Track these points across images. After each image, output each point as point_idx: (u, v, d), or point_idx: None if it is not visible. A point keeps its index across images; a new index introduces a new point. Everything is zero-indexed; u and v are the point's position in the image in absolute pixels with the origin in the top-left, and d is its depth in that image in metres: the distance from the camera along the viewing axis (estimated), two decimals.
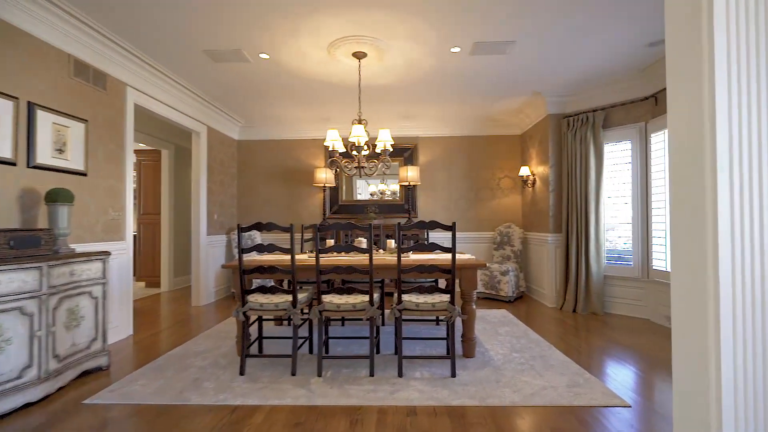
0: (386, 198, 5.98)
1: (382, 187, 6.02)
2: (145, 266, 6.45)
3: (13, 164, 2.59)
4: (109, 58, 3.36)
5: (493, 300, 5.12)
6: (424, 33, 3.18)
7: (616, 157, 4.35)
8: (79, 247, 3.07)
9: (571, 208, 4.54)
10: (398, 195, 5.99)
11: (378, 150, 3.45)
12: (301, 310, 2.72)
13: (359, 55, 3.48)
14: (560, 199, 4.75)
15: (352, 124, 3.37)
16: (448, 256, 3.36)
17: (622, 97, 4.22)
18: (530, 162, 5.44)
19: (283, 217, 6.06)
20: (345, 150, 3.65)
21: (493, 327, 3.80)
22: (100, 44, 3.21)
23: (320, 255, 3.33)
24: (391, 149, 3.53)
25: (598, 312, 4.27)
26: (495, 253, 5.61)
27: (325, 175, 5.62)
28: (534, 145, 5.28)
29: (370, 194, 5.99)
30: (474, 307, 2.97)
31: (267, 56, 3.59)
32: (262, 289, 2.70)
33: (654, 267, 3.94)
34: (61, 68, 2.94)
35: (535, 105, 4.95)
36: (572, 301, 4.45)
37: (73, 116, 3.03)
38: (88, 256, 2.67)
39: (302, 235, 4.34)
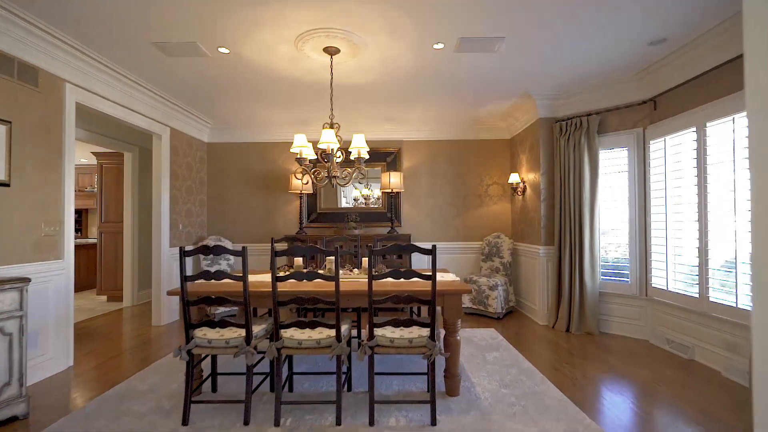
0: (371, 204, 5.59)
1: (366, 192, 5.64)
2: (106, 279, 5.95)
3: None
4: (42, 50, 2.91)
5: (480, 316, 4.78)
6: (403, 26, 2.82)
7: (611, 165, 4.05)
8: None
9: (564, 220, 4.22)
10: (383, 201, 5.62)
11: (352, 157, 3.07)
12: (255, 347, 2.32)
13: (331, 51, 3.10)
14: (552, 209, 4.44)
15: (323, 128, 2.99)
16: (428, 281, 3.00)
17: (618, 101, 3.93)
18: (520, 168, 5.12)
19: (258, 226, 5.63)
20: (317, 156, 3.26)
21: (481, 352, 3.45)
22: (26, 33, 2.76)
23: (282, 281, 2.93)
24: (367, 156, 3.16)
25: (594, 332, 3.96)
26: (483, 264, 5.28)
27: (301, 181, 5.21)
28: (524, 150, 4.97)
29: (354, 199, 5.59)
30: (458, 338, 2.61)
31: (227, 51, 3.18)
32: (211, 324, 2.30)
33: (653, 284, 3.65)
34: None
35: (524, 108, 4.63)
36: (565, 319, 4.13)
37: None
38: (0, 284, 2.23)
39: (272, 251, 3.93)
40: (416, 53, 3.24)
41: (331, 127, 3.09)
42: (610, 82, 3.86)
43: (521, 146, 5.07)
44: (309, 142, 3.09)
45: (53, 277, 3.06)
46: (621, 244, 3.99)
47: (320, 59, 3.29)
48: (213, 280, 2.41)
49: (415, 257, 5.54)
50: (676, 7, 2.58)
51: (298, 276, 2.28)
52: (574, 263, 4.11)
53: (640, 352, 3.46)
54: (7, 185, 2.71)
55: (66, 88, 3.18)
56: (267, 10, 2.61)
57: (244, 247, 2.22)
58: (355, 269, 3.20)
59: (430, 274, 2.31)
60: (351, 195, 5.60)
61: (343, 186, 3.06)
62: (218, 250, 2.21)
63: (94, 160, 7.22)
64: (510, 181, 5.07)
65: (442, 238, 5.55)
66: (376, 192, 5.61)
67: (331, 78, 3.14)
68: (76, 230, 8.36)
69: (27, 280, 2.40)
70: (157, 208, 4.56)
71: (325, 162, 2.89)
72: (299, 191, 5.21)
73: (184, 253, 2.24)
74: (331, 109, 3.12)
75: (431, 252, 2.28)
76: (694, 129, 3.11)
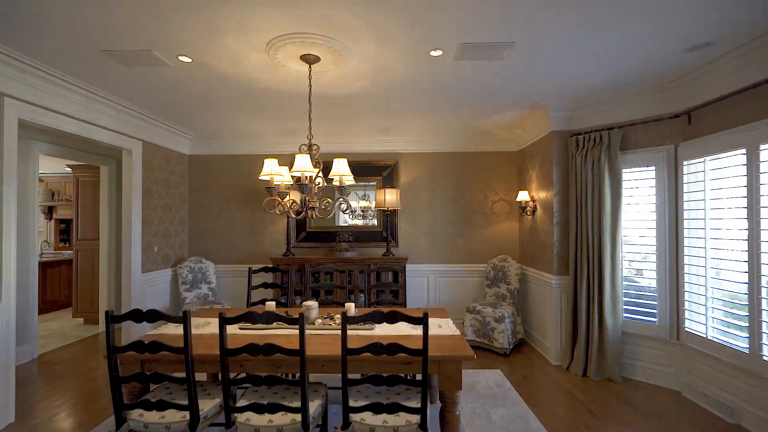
0: (369, 216, 5.11)
1: (363, 204, 5.17)
2: (83, 300, 5.54)
3: None
4: None
5: (485, 351, 4.29)
6: (392, 31, 2.35)
7: (635, 186, 3.55)
8: None
9: (581, 247, 3.72)
10: (378, 219, 5.14)
11: (335, 182, 2.60)
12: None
13: (309, 60, 2.63)
14: (566, 234, 3.93)
15: (300, 151, 2.52)
16: (418, 332, 2.52)
17: (644, 113, 3.42)
18: (529, 185, 4.62)
19: (242, 246, 5.19)
20: (294, 181, 2.78)
21: (485, 408, 2.97)
22: None
23: (240, 330, 2.47)
24: (352, 181, 2.70)
25: (615, 378, 3.46)
26: (488, 290, 4.79)
27: (289, 198, 4.74)
28: (533, 165, 4.47)
29: (351, 211, 5.12)
30: (458, 413, 2.13)
31: (189, 59, 2.72)
32: (146, 405, 1.84)
33: (687, 328, 3.14)
34: None
35: (535, 119, 4.14)
36: (582, 360, 3.63)
37: None
38: None
39: (249, 281, 3.49)
40: (410, 62, 2.77)
41: (309, 149, 2.63)
42: (635, 92, 3.35)
43: (530, 161, 4.57)
44: (282, 166, 2.62)
45: None
46: (647, 278, 3.48)
47: (298, 68, 2.83)
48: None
49: (413, 281, 5.06)
50: (737, 6, 2.07)
51: (252, 319, 1.82)
52: (593, 297, 3.61)
53: (673, 409, 2.95)
54: None
55: (5, 103, 2.75)
56: (226, 13, 2.15)
57: (185, 312, 1.76)
58: (337, 317, 2.73)
59: (421, 317, 1.84)
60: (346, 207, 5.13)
61: (323, 217, 2.61)
62: (153, 316, 1.75)
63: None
64: (518, 199, 4.57)
65: (443, 260, 5.06)
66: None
67: (309, 91, 2.68)
68: (64, 241, 8.00)
69: None
70: (127, 230, 4.13)
71: (302, 192, 2.42)
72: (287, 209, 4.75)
73: (111, 319, 1.78)
74: (309, 128, 2.66)
75: (422, 320, 1.81)
76: (744, 151, 2.60)
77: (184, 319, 1.74)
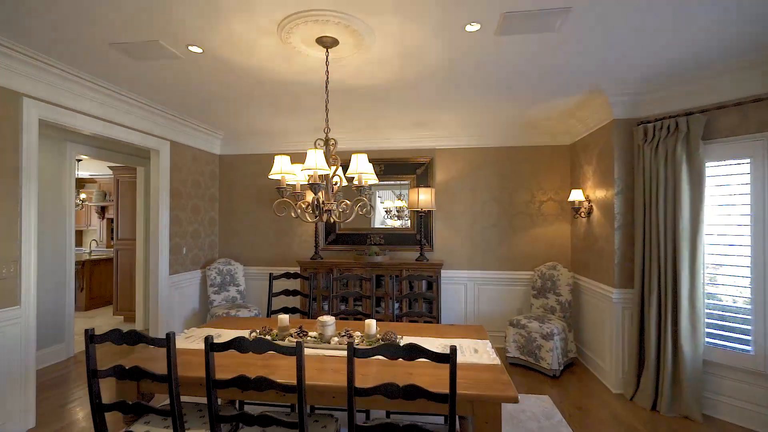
0: (405, 216, 4.75)
1: (399, 204, 4.83)
2: (123, 298, 5.68)
3: None
4: None
5: (530, 371, 3.79)
6: (418, 3, 1.97)
7: (723, 182, 2.90)
8: None
9: (649, 256, 3.13)
10: (411, 221, 4.77)
11: (354, 182, 2.28)
12: None
13: (326, 43, 2.32)
14: (631, 240, 3.34)
15: (315, 147, 2.22)
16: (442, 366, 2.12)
17: (735, 94, 2.77)
18: (584, 183, 4.03)
19: (271, 247, 5.03)
20: (313, 181, 2.48)
21: None
22: None
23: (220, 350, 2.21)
24: (375, 180, 2.36)
25: (694, 417, 2.85)
26: (534, 301, 4.26)
27: (303, 200, 4.50)
28: (590, 160, 3.88)
29: (385, 211, 4.78)
30: None
31: (199, 49, 2.52)
32: None
33: None
34: None
35: (592, 106, 3.56)
36: (651, 392, 3.05)
37: None
38: None
39: (270, 288, 3.27)
40: (442, 40, 2.37)
41: (326, 144, 2.32)
42: (727, 67, 2.72)
43: (586, 155, 3.99)
44: (296, 164, 2.32)
45: (3, 328, 2.59)
46: (737, 296, 2.83)
47: (316, 54, 2.53)
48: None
49: (449, 288, 4.64)
50: None
51: (238, 345, 1.53)
52: (665, 317, 3.01)
53: None
54: None
55: (23, 103, 2.70)
56: None
57: (169, 335, 1.51)
58: (357, 334, 2.40)
59: (447, 354, 1.46)
60: (381, 208, 4.79)
61: (341, 222, 2.29)
62: (133, 338, 1.52)
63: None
64: (571, 198, 4.00)
65: (483, 266, 4.59)
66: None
67: (327, 77, 2.36)
68: (113, 239, 8.37)
69: None
70: (154, 231, 4.08)
71: (313, 192, 2.12)
72: None
73: (91, 338, 1.57)
74: (326, 120, 2.35)
75: (449, 358, 1.43)
76: None
77: (168, 343, 1.49)
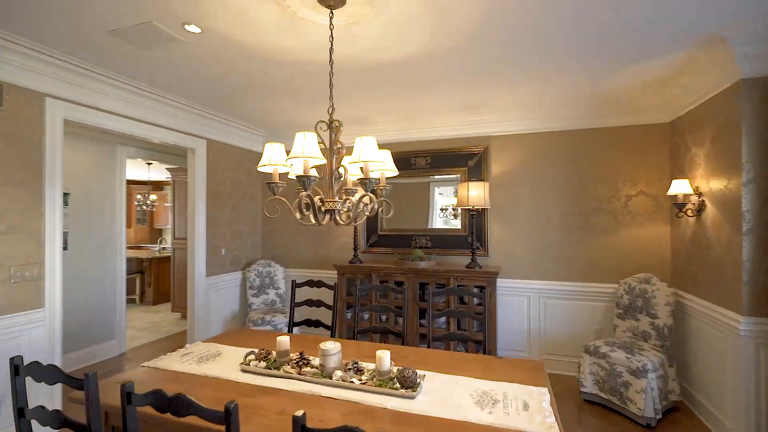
0: (452, 222, 4.15)
1: (454, 200, 4.24)
2: (179, 296, 5.88)
3: None
4: (4, 60, 2.40)
5: (613, 414, 2.95)
6: None
7: None
8: None
9: None
10: (462, 220, 4.13)
11: (359, 176, 1.78)
12: None
13: (329, 2, 1.86)
14: (767, 248, 2.37)
15: (316, 130, 1.77)
16: (487, 414, 1.49)
17: None
18: (692, 171, 3.06)
19: (311, 249, 4.75)
20: (312, 175, 2.03)
21: None
22: None
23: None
24: (388, 172, 1.85)
25: None
26: (619, 323, 3.37)
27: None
28: (701, 140, 2.91)
29: (440, 209, 4.20)
30: None
31: (198, 29, 2.22)
32: None
33: None
34: None
35: (705, 65, 2.62)
36: None
37: None
38: None
39: (292, 297, 2.92)
40: None
41: (330, 126, 1.86)
42: None
43: (694, 133, 3.01)
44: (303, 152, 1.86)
45: (28, 331, 2.57)
46: None
47: (321, 20, 2.08)
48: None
49: (508, 301, 3.91)
50: None
51: (158, 402, 1.12)
52: None
53: None
54: None
55: (46, 103, 2.67)
56: None
57: (87, 375, 1.15)
58: (369, 366, 1.89)
59: None
60: (436, 205, 4.22)
61: (346, 224, 1.81)
62: (51, 377, 1.19)
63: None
64: (671, 192, 3.05)
65: (551, 275, 3.78)
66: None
67: (331, 45, 1.90)
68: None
69: None
70: (191, 232, 4.00)
71: (303, 188, 1.66)
72: None
73: (16, 371, 1.29)
74: (330, 97, 1.89)
75: None
76: None
77: (86, 387, 1.13)
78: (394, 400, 1.61)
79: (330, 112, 1.88)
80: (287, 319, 4.20)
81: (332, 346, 1.84)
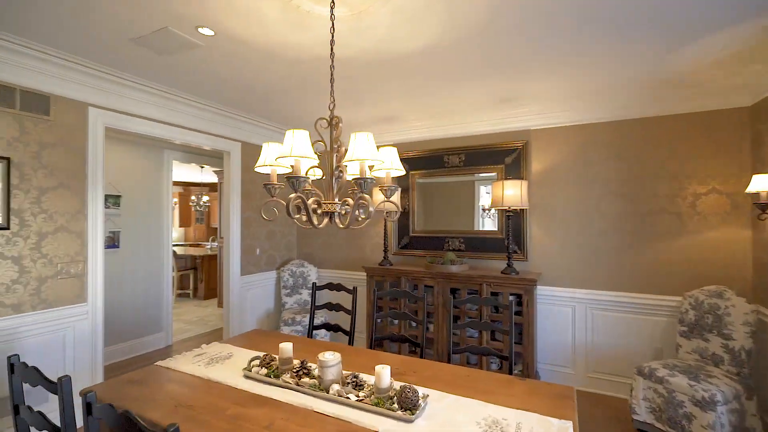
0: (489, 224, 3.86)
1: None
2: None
3: None
4: (51, 74, 2.60)
5: None
6: None
7: None
8: None
9: None
10: (499, 222, 3.84)
11: (351, 177, 1.65)
12: None
13: None
14: None
15: (317, 127, 1.68)
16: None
17: None
18: None
19: (344, 250, 4.71)
20: (302, 176, 1.93)
21: None
22: (26, 57, 2.45)
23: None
24: (395, 171, 1.70)
25: None
26: (684, 343, 2.90)
27: (383, 196, 3.97)
28: None
29: (483, 209, 3.93)
30: None
31: (211, 32, 2.23)
32: None
33: None
34: None
35: None
36: None
37: None
38: None
39: (313, 300, 2.87)
40: None
41: (330, 123, 1.75)
42: None
43: None
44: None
45: (73, 323, 2.78)
46: None
47: (327, 11, 1.98)
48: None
49: (550, 311, 3.55)
50: None
51: None
52: None
53: None
54: (5, 228, 2.45)
55: (89, 112, 2.87)
56: None
57: (62, 380, 1.15)
58: (368, 379, 1.74)
59: None
60: (478, 200, 3.95)
61: (344, 227, 1.69)
62: (62, 388, 1.21)
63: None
64: (752, 189, 2.55)
65: (599, 284, 3.37)
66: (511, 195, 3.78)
67: (332, 35, 1.78)
68: None
69: None
70: (226, 232, 4.14)
71: (293, 189, 1.56)
72: (383, 209, 3.98)
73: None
74: (332, 93, 1.77)
75: None
76: None
77: (59, 389, 1.13)
78: (388, 423, 1.46)
79: (331, 108, 1.77)
80: (317, 321, 4.19)
81: (331, 357, 1.73)
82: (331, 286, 2.86)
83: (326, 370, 1.70)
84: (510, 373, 2.16)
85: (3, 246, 2.45)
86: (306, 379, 1.77)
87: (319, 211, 1.67)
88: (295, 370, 1.82)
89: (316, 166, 1.77)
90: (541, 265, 3.60)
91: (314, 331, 4.01)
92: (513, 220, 3.68)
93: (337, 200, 1.70)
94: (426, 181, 4.18)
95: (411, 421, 1.47)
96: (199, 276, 7.33)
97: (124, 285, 4.20)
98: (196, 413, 1.54)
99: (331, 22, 1.84)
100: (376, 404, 1.55)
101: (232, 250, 4.12)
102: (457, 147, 3.97)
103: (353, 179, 1.58)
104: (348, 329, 3.07)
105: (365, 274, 4.25)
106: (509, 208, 3.37)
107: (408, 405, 1.51)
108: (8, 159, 2.46)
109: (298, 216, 1.59)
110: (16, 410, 1.34)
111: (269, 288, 4.63)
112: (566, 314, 3.48)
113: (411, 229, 4.27)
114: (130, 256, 4.26)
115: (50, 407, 2.66)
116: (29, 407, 1.26)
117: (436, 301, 3.64)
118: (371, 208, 1.54)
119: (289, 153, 1.47)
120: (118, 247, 4.14)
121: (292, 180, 1.51)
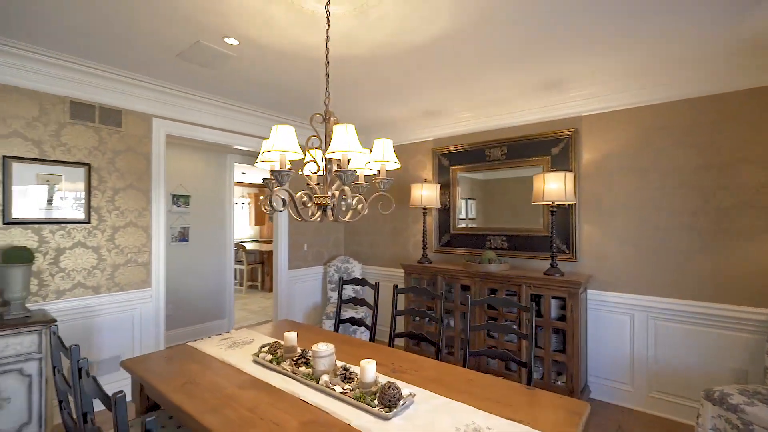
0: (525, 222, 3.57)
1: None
2: None
3: None
4: (120, 91, 3.05)
5: None
6: None
7: None
8: (76, 303, 2.86)
9: None
10: (544, 219, 3.53)
11: (334, 164, 1.65)
12: None
13: None
14: None
15: (311, 122, 1.72)
16: None
17: None
18: None
19: (387, 247, 4.73)
20: (285, 170, 1.96)
21: None
22: (102, 79, 2.91)
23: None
24: (390, 165, 1.68)
25: None
26: None
27: (422, 193, 3.91)
28: None
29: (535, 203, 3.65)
30: None
31: (236, 41, 2.41)
32: None
33: None
34: (51, 113, 2.76)
35: None
36: None
37: (68, 162, 2.83)
38: (16, 327, 2.30)
39: (340, 293, 2.95)
40: None
41: (326, 118, 1.78)
42: None
43: None
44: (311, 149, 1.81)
45: (140, 305, 3.21)
46: None
47: (333, 9, 2.01)
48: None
49: (605, 318, 3.17)
50: None
51: None
52: None
53: None
54: (87, 222, 2.93)
55: (153, 122, 3.29)
56: None
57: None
58: (355, 380, 1.72)
59: None
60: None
61: (334, 220, 1.69)
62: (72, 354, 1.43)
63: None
64: None
65: (665, 291, 2.91)
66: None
67: (327, 31, 1.81)
68: None
69: (52, 321, 2.43)
70: (275, 228, 4.43)
71: (279, 184, 1.62)
72: (421, 206, 3.93)
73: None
74: (327, 87, 1.80)
75: None
76: None
77: (114, 408, 1.32)
78: (365, 417, 1.44)
79: (326, 102, 1.80)
80: (357, 315, 4.28)
81: (324, 348, 1.76)
82: (356, 281, 2.90)
83: (318, 361, 1.74)
84: (528, 382, 1.98)
85: (85, 237, 2.94)
86: (303, 368, 1.82)
87: (309, 204, 1.71)
88: (294, 359, 1.89)
89: (312, 161, 1.82)
90: (594, 267, 3.23)
91: (342, 325, 4.09)
92: (559, 216, 3.36)
93: (329, 194, 1.72)
94: (468, 176, 4.01)
95: (388, 419, 1.43)
96: (266, 270, 7.94)
97: (192, 275, 4.74)
98: (198, 390, 1.68)
99: (326, 19, 1.86)
100: (358, 398, 1.54)
101: (281, 245, 4.40)
102: (499, 139, 3.74)
103: (335, 172, 1.59)
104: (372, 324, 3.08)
105: (402, 272, 4.22)
106: (553, 203, 3.08)
107: (387, 402, 1.48)
108: (89, 165, 2.94)
109: (281, 209, 1.64)
110: (54, 371, 1.62)
111: (316, 282, 4.85)
112: (623, 323, 3.07)
113: (452, 226, 4.13)
114: (197, 249, 4.79)
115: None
116: (62, 373, 1.51)
117: (441, 303, 3.46)
118: (349, 200, 1.53)
119: (272, 147, 1.53)
120: (187, 241, 4.69)
121: (278, 175, 1.57)
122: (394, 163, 1.76)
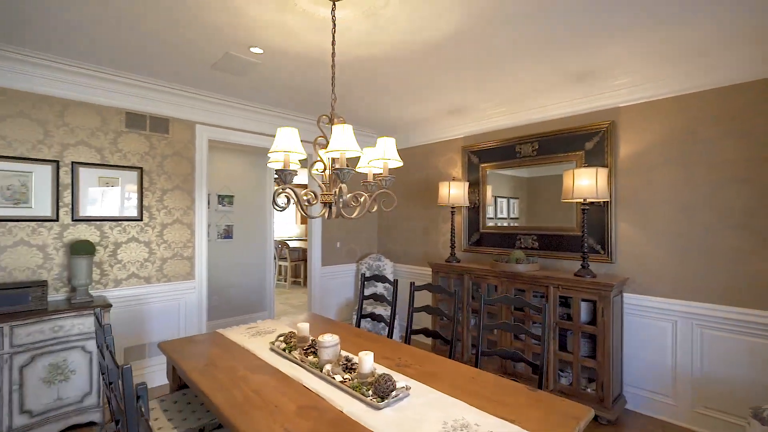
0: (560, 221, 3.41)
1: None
2: None
3: (54, 220, 2.90)
4: (168, 102, 3.38)
5: None
6: None
7: None
8: (130, 291, 3.22)
9: None
10: (577, 218, 3.35)
11: (335, 163, 1.72)
12: None
13: None
14: None
15: (318, 123, 1.82)
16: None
17: None
18: None
19: (418, 245, 4.75)
20: (289, 170, 2.04)
21: None
22: (151, 91, 3.25)
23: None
24: (393, 163, 1.72)
25: None
26: None
27: (449, 191, 3.89)
28: None
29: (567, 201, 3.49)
30: None
31: (260, 50, 2.58)
32: None
33: None
34: (110, 123, 3.13)
35: None
36: None
37: (124, 167, 3.19)
38: (79, 310, 2.66)
39: (362, 289, 3.04)
40: None
41: (331, 120, 1.87)
42: None
43: None
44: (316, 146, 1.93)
45: (185, 296, 3.54)
46: None
47: (339, 14, 2.09)
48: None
49: (643, 324, 2.94)
50: None
51: None
52: None
53: None
54: (139, 219, 3.29)
55: (197, 129, 3.61)
56: None
57: None
58: (356, 370, 1.78)
59: None
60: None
61: (333, 216, 1.76)
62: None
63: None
64: None
65: (712, 297, 2.64)
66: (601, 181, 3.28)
67: (333, 35, 1.89)
68: None
69: (107, 305, 2.77)
70: (309, 227, 4.63)
71: (284, 182, 1.73)
72: (449, 205, 3.90)
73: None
74: (333, 89, 1.89)
75: None
76: None
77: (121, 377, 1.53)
78: (357, 405, 1.50)
79: (332, 103, 1.89)
80: (386, 312, 4.34)
81: (329, 339, 1.84)
82: (377, 278, 2.97)
83: (323, 351, 1.83)
84: (539, 385, 1.92)
85: (138, 233, 3.30)
86: (311, 357, 1.92)
87: (314, 202, 1.80)
88: (305, 348, 1.99)
89: (320, 160, 1.91)
90: (631, 269, 3.01)
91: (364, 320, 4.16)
92: (592, 214, 3.17)
93: (334, 192, 1.80)
94: (498, 173, 3.91)
95: (379, 408, 1.48)
96: (307, 266, 8.27)
97: (236, 270, 5.09)
98: (215, 371, 1.84)
99: (333, 24, 1.94)
100: (354, 387, 1.60)
101: (314, 242, 4.59)
102: (530, 135, 3.60)
103: (332, 170, 1.66)
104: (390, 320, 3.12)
105: (430, 270, 4.21)
106: (584, 200, 2.92)
107: (380, 393, 1.52)
108: (141, 168, 3.30)
109: (284, 206, 1.75)
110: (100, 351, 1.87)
111: (349, 279, 4.98)
112: (664, 330, 2.83)
113: (481, 224, 4.05)
114: (240, 246, 5.14)
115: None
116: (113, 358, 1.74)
117: (455, 302, 3.38)
118: (343, 198, 1.59)
119: (277, 148, 1.64)
120: (231, 238, 5.05)
121: (283, 174, 1.68)
122: (396, 161, 1.80)
